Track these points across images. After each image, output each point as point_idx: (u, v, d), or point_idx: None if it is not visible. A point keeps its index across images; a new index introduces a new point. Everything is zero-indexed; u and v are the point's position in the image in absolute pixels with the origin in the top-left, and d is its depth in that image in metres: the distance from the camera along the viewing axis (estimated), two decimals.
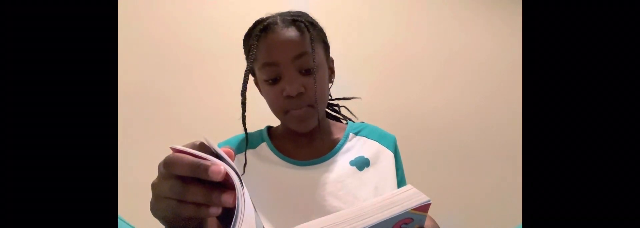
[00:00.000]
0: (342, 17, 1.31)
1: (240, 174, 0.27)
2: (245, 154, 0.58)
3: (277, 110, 0.55)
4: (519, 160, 1.37)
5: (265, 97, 0.56)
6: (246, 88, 0.50)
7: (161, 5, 1.23)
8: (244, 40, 0.57)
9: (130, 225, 0.49)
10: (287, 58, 0.50)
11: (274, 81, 0.52)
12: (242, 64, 0.54)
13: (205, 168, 0.24)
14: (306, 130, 0.55)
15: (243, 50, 0.58)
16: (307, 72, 0.52)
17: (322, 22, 0.58)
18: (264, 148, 0.59)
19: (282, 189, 0.54)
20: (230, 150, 0.28)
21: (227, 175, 0.25)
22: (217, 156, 0.27)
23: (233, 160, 0.28)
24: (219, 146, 0.61)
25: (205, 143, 0.28)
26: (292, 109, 0.53)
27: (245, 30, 0.57)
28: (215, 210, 0.26)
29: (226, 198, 0.25)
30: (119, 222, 0.42)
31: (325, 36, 0.59)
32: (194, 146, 0.27)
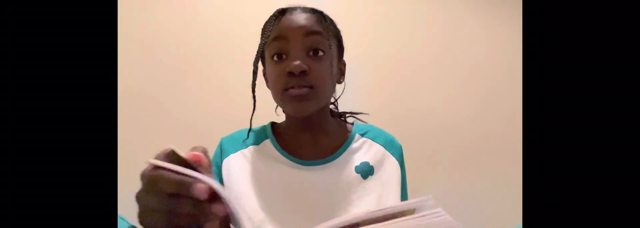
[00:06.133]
0: (340, 17, 1.31)
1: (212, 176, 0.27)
2: (248, 134, 0.59)
3: (276, 89, 0.53)
4: (519, 159, 1.37)
5: (269, 77, 0.56)
6: (258, 59, 0.54)
7: (160, 5, 1.23)
8: (262, 29, 0.57)
9: (129, 224, 0.49)
10: (297, 34, 0.50)
11: (280, 57, 0.52)
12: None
13: (189, 186, 0.24)
14: (302, 114, 0.53)
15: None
16: (315, 54, 0.52)
17: None
18: (268, 145, 0.58)
19: (284, 189, 0.54)
20: (201, 156, 0.28)
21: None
22: (188, 165, 0.27)
23: (203, 166, 0.27)
24: (223, 141, 0.61)
25: (176, 150, 0.27)
26: (291, 88, 0.51)
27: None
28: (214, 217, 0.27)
29: (217, 209, 0.26)
30: (120, 221, 0.42)
31: (341, 37, 0.59)
32: (164, 155, 0.27)
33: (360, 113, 0.68)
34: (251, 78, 0.55)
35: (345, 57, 0.63)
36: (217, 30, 1.25)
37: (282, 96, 0.52)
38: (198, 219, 0.26)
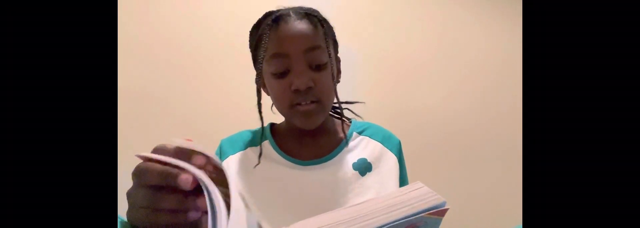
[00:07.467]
0: (338, 17, 1.31)
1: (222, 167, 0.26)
2: (261, 146, 0.57)
3: (282, 105, 0.53)
4: (518, 159, 1.37)
5: (270, 91, 0.54)
6: (261, 76, 0.51)
7: (161, 4, 1.23)
8: (251, 32, 0.55)
9: (129, 225, 0.49)
10: (298, 50, 0.49)
11: (282, 74, 0.50)
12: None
13: (174, 177, 0.24)
14: (311, 127, 0.53)
15: (248, 43, 0.57)
16: (318, 68, 0.50)
17: None
18: (267, 146, 0.59)
19: (282, 189, 0.54)
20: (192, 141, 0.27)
21: (215, 169, 0.24)
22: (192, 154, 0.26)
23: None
24: (223, 142, 0.61)
25: (180, 145, 0.26)
26: (298, 104, 0.51)
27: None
28: (194, 214, 0.26)
29: (202, 202, 0.24)
30: (120, 221, 0.43)
31: (335, 35, 0.57)
32: (165, 150, 0.26)
33: (356, 102, 0.67)
34: (256, 97, 0.52)
35: (346, 54, 0.63)
36: (219, 29, 1.25)
37: (290, 112, 0.52)
38: (182, 217, 0.25)
